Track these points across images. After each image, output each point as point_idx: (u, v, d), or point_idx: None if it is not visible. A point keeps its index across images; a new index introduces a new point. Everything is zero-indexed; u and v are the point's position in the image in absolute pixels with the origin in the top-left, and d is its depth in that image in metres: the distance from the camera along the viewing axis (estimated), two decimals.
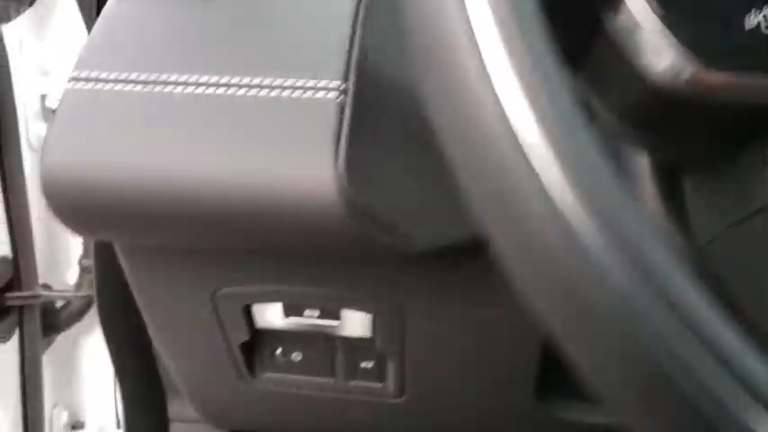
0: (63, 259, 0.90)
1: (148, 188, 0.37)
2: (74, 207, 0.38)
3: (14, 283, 0.80)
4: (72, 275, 0.89)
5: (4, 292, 0.78)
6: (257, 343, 0.54)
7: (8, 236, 0.77)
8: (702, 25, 0.20)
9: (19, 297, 0.79)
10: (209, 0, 0.40)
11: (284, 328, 0.51)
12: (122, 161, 0.37)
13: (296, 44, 0.38)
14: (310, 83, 0.37)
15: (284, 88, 0.37)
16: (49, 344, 0.89)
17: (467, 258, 0.44)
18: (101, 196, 0.37)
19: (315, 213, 0.35)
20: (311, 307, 0.49)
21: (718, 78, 0.20)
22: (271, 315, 0.51)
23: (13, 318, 0.80)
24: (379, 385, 0.56)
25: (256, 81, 0.37)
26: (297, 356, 0.55)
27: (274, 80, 0.37)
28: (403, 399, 0.56)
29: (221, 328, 0.51)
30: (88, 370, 0.96)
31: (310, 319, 0.50)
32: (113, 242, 0.47)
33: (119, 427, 0.97)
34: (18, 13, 0.75)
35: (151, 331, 0.54)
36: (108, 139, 0.37)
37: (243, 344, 0.53)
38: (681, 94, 0.21)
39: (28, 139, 0.80)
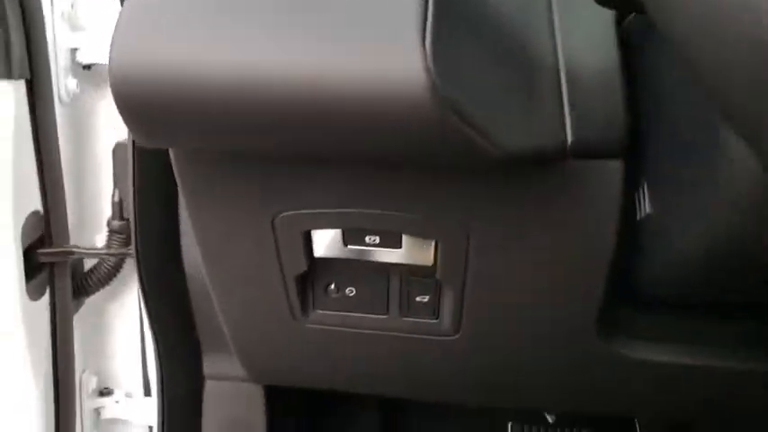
0: (91, 223, 0.88)
1: (221, 82, 0.35)
2: (144, 105, 0.37)
3: (45, 239, 0.78)
4: (101, 239, 0.88)
5: (36, 248, 0.77)
6: (312, 277, 0.53)
7: (39, 191, 0.76)
8: None
9: (50, 254, 0.78)
10: None
11: (343, 257, 0.50)
12: (192, 56, 0.36)
13: None
14: None
15: None
16: (78, 307, 0.87)
17: (539, 176, 0.43)
18: (173, 91, 0.36)
19: (400, 107, 0.34)
20: (373, 233, 0.48)
21: None
22: (330, 245, 0.50)
23: (44, 275, 0.79)
24: (434, 321, 0.55)
25: None
26: (350, 292, 0.54)
27: None
28: (458, 336, 0.55)
29: (278, 257, 0.50)
30: (116, 336, 0.95)
31: (371, 247, 0.49)
32: (176, 158, 0.45)
33: (147, 394, 0.96)
34: None
35: (206, 266, 0.52)
36: (177, 34, 0.36)
37: (298, 276, 0.52)
38: None
39: (59, 94, 0.79)
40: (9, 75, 0.68)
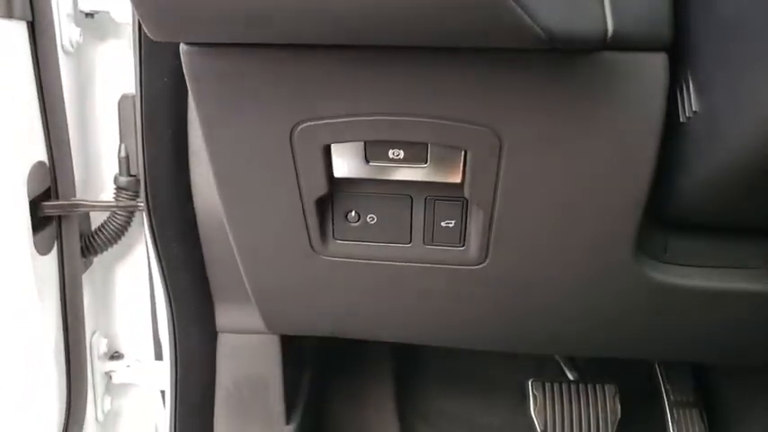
0: (96, 180, 0.86)
1: None
2: None
3: (51, 192, 0.76)
4: (107, 197, 0.86)
5: (42, 201, 0.75)
6: (331, 203, 0.51)
7: (44, 141, 0.74)
8: None
9: (57, 206, 0.76)
10: None
11: (365, 177, 0.47)
12: None
13: None
14: None
15: None
16: (86, 266, 0.85)
17: (576, 71, 0.41)
18: None
19: None
20: (397, 146, 0.45)
21: None
22: (351, 162, 0.47)
23: (51, 228, 0.76)
24: (460, 248, 0.52)
25: None
26: (371, 219, 0.51)
27: None
28: (485, 263, 0.52)
29: (297, 177, 0.47)
30: (125, 298, 0.93)
31: (394, 164, 0.46)
32: (189, 62, 0.41)
33: (158, 357, 0.94)
34: None
35: (221, 194, 0.50)
36: None
37: (318, 200, 0.49)
38: None
39: (61, 43, 0.76)
40: (10, 14, 0.65)
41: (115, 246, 0.87)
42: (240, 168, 0.48)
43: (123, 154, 0.82)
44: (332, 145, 0.45)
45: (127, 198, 0.83)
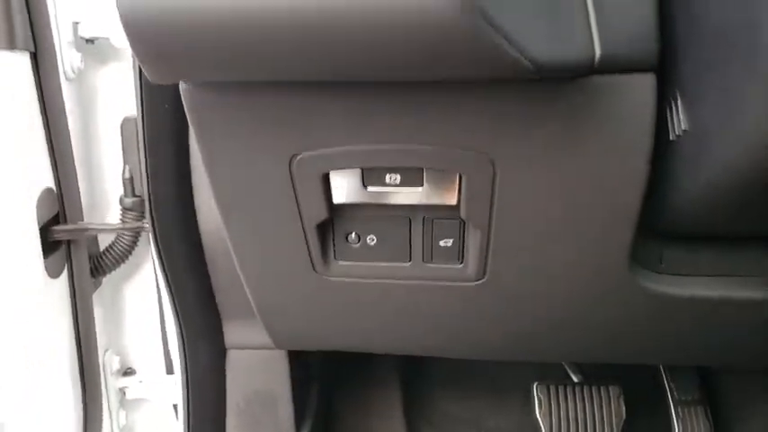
0: (101, 202, 0.88)
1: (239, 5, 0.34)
2: (154, 31, 0.35)
3: (60, 217, 0.78)
4: (113, 218, 0.87)
5: (51, 226, 0.76)
6: (332, 226, 0.52)
7: (51, 167, 0.75)
8: None
9: (66, 231, 0.77)
10: None
11: (363, 202, 0.49)
12: None
13: None
14: None
15: None
16: (96, 286, 0.87)
17: (566, 94, 0.42)
18: (184, 12, 0.34)
19: (434, 18, 0.33)
20: (393, 171, 0.47)
21: None
22: (349, 188, 0.48)
23: (61, 252, 0.78)
24: (458, 266, 0.54)
25: None
26: (371, 240, 0.53)
27: None
28: (484, 280, 0.54)
29: (297, 204, 0.49)
30: (135, 315, 0.95)
31: (391, 187, 0.48)
32: (189, 98, 0.43)
33: (169, 371, 0.95)
34: None
35: (225, 221, 0.52)
36: None
37: (319, 225, 0.51)
38: None
39: (63, 70, 0.78)
40: (12, 45, 0.67)
41: (123, 265, 0.89)
42: (241, 196, 0.49)
43: (127, 175, 0.83)
44: (330, 172, 0.47)
45: (133, 219, 0.84)
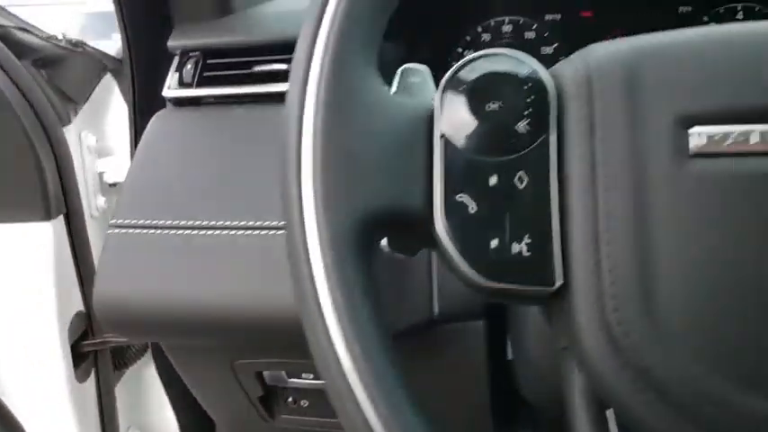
0: None
1: (180, 307, 0.50)
2: (120, 322, 0.52)
3: (88, 332, 0.96)
4: None
5: (81, 340, 0.95)
6: (271, 395, 0.68)
7: (81, 295, 0.94)
8: None
9: (93, 344, 0.96)
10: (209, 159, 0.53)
11: (289, 386, 0.64)
12: (156, 289, 0.51)
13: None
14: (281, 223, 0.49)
15: (263, 228, 0.49)
16: (119, 378, 1.06)
17: (414, 342, 0.56)
18: (142, 312, 0.51)
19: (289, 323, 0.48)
20: (308, 371, 0.62)
21: None
22: (278, 377, 0.64)
23: (89, 361, 0.97)
24: None
25: (242, 224, 0.50)
26: (305, 403, 0.68)
27: (254, 222, 0.50)
28: None
29: (241, 387, 0.65)
30: (153, 396, 1.13)
31: (307, 380, 0.63)
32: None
33: None
34: (76, 113, 0.91)
35: (191, 389, 0.68)
36: (143, 272, 0.51)
37: (259, 397, 0.67)
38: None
39: (90, 212, 0.96)
40: (48, 216, 0.85)
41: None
42: (201, 379, 0.66)
43: None
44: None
45: None
